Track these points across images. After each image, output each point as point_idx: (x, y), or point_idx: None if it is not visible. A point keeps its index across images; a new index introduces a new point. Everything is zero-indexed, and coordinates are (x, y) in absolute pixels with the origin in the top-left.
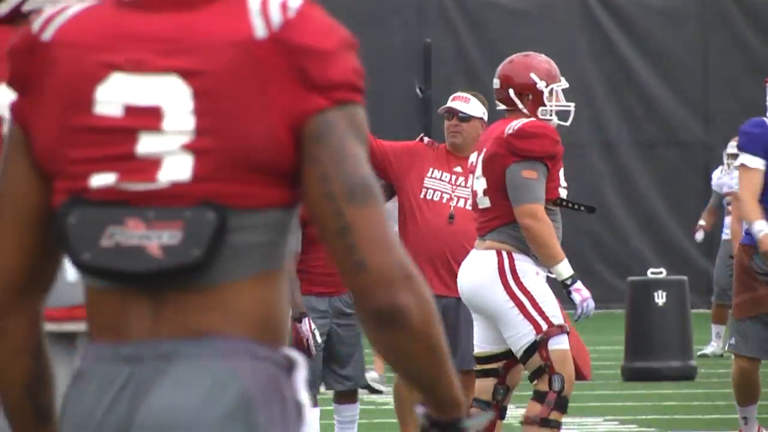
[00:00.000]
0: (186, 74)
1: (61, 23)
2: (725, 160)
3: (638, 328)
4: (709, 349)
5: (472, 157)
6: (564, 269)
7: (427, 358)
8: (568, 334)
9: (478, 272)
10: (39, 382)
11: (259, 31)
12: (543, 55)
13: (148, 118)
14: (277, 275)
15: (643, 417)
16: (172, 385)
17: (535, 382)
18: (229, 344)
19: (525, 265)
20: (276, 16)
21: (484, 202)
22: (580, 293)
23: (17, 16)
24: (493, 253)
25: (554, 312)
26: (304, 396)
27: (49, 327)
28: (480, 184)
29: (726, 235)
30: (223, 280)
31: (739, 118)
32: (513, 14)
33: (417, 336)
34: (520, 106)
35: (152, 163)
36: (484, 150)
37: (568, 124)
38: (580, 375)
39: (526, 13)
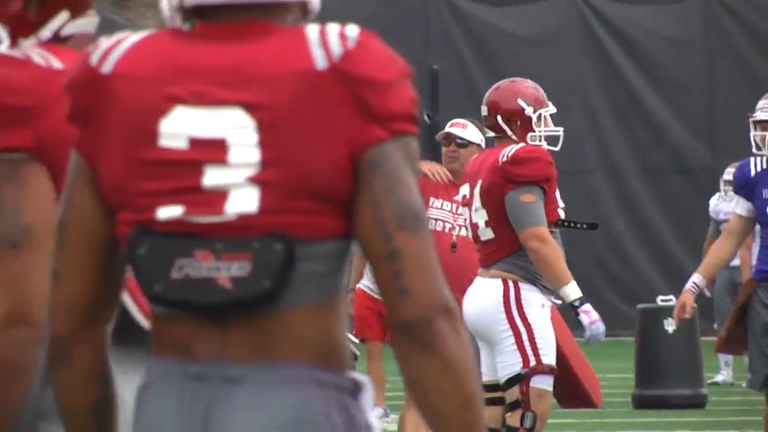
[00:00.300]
0: (249, 107)
1: (119, 55)
2: (722, 187)
3: (648, 355)
4: (719, 377)
5: (464, 189)
6: (572, 291)
7: (455, 398)
8: (554, 376)
9: (482, 300)
10: (104, 405)
11: (320, 62)
12: (530, 81)
13: (213, 150)
14: (338, 302)
15: None
16: (242, 410)
17: (508, 414)
18: (294, 370)
19: (531, 295)
20: (336, 47)
21: (487, 234)
22: (589, 315)
23: (57, 40)
24: (499, 281)
25: (548, 351)
26: (373, 418)
27: None
28: (480, 215)
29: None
30: (289, 307)
31: (746, 143)
32: (520, 40)
33: (449, 370)
34: (509, 132)
35: (219, 196)
36: (480, 181)
37: (557, 149)
38: (590, 402)
39: (533, 38)
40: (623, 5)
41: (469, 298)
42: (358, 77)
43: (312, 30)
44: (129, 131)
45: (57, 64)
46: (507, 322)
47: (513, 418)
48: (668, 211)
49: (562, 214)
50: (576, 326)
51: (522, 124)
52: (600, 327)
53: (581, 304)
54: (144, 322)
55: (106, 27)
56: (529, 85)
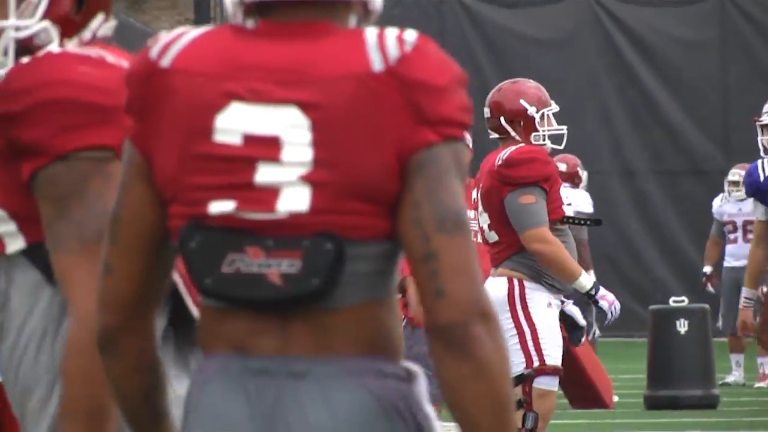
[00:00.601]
0: (305, 106)
1: (179, 50)
2: (726, 188)
3: (660, 356)
4: (731, 378)
5: (474, 194)
6: (585, 281)
7: (488, 404)
8: (562, 377)
9: None
10: (155, 391)
11: (377, 64)
12: (532, 81)
13: (267, 148)
14: (390, 300)
15: None
16: (312, 404)
17: None
18: (356, 363)
19: (536, 294)
20: (393, 50)
21: (492, 237)
22: (606, 299)
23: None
24: (505, 280)
25: (552, 352)
26: (429, 406)
27: None
28: (484, 219)
29: (728, 263)
30: (343, 304)
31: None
32: (534, 42)
33: (484, 375)
34: (513, 133)
35: (270, 193)
36: (481, 185)
37: (561, 147)
38: (602, 403)
39: (547, 41)
40: (637, 7)
41: None
42: (413, 81)
43: (370, 33)
44: (184, 126)
45: (125, 64)
46: (511, 322)
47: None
48: (682, 213)
49: (568, 211)
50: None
51: (525, 125)
52: (617, 305)
53: (597, 290)
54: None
55: (121, 30)
56: (531, 84)
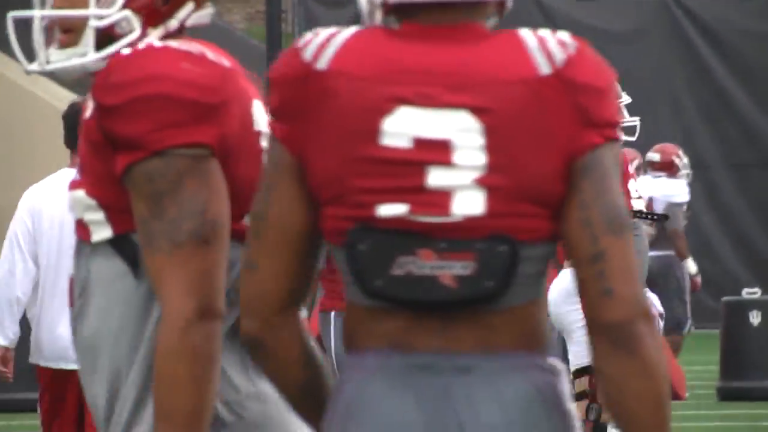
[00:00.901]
0: (476, 110)
1: (335, 52)
2: None
3: (733, 347)
4: None
5: None
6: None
7: (650, 400)
8: None
9: (558, 289)
10: (316, 384)
11: (543, 68)
12: None
13: (438, 151)
14: (544, 298)
15: None
16: (482, 399)
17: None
18: (518, 359)
19: None
20: (558, 53)
21: None
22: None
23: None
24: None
25: None
26: (571, 403)
27: None
28: None
29: None
30: (509, 305)
31: None
32: (606, 35)
33: (648, 372)
34: None
35: (443, 196)
36: None
37: (634, 139)
38: (675, 395)
39: (619, 34)
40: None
41: (550, 287)
42: (580, 84)
43: (527, 35)
44: (348, 128)
45: (226, 62)
46: (580, 313)
47: (577, 410)
48: (754, 206)
49: (638, 204)
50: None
51: None
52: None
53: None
54: None
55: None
56: None
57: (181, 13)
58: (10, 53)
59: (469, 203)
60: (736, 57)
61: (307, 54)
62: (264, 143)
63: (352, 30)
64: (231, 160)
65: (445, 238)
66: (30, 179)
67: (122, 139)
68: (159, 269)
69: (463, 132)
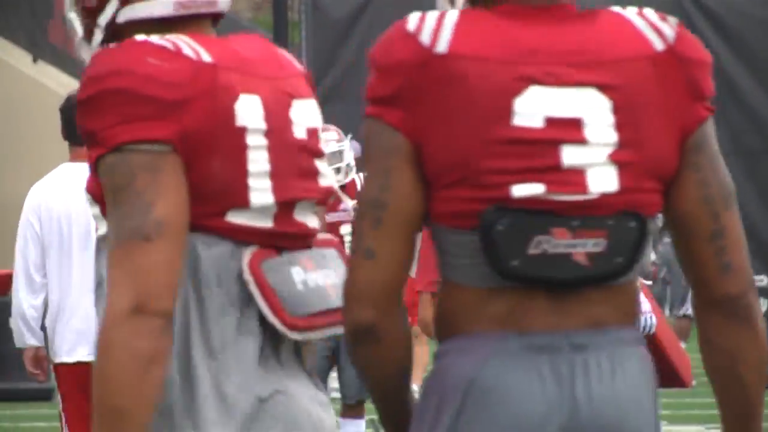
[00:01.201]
0: (603, 88)
1: (451, 35)
2: None
3: None
4: None
5: None
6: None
7: (757, 366)
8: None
9: None
10: (409, 372)
11: (657, 45)
12: None
13: (571, 129)
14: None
15: None
16: (603, 375)
17: None
18: (625, 333)
19: None
20: (666, 29)
21: None
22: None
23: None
24: None
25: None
26: None
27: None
28: None
29: None
30: (625, 280)
31: None
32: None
33: (759, 341)
34: None
35: (578, 174)
36: None
37: None
38: (681, 382)
39: None
40: None
41: None
42: (692, 59)
43: (630, 13)
44: (478, 110)
45: (206, 57)
46: None
47: None
48: (762, 193)
49: None
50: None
51: None
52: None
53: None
54: (277, 324)
55: None
56: None
57: (108, 11)
58: (16, 41)
59: (604, 180)
60: (743, 45)
61: (425, 38)
62: (251, 139)
63: (455, 12)
64: (201, 157)
65: (578, 216)
66: (39, 170)
67: (88, 134)
68: (107, 264)
69: (593, 109)
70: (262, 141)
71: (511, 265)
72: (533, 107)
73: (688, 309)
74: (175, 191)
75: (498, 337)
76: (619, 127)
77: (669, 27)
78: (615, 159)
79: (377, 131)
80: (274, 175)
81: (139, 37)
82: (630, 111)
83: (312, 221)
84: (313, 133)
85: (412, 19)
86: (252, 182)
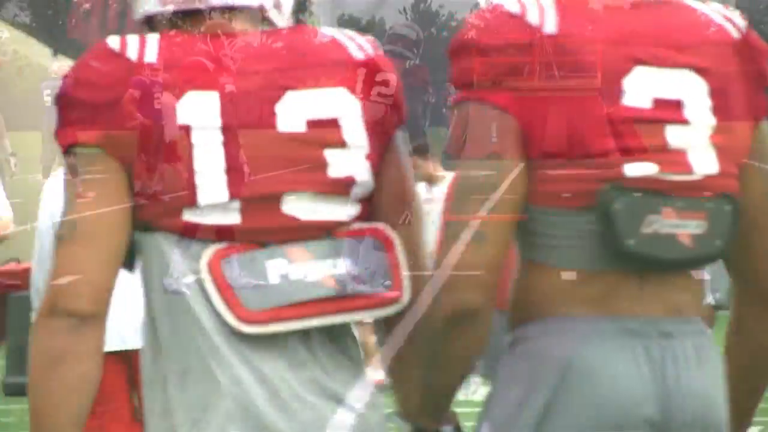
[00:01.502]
0: (699, 70)
1: (556, 15)
2: None
3: None
4: None
5: None
6: None
7: None
8: None
9: None
10: None
11: (734, 33)
12: None
13: (674, 110)
14: None
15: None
16: (693, 363)
17: None
18: (696, 322)
19: None
20: (737, 19)
21: None
22: None
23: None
24: None
25: None
26: None
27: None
28: None
29: None
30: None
31: None
32: None
33: None
34: None
35: (682, 155)
36: None
37: None
38: None
39: None
40: None
41: None
42: (760, 49)
43: (698, 4)
44: (587, 90)
45: (150, 57)
46: None
47: None
48: None
49: None
50: None
51: None
52: None
53: None
54: (229, 318)
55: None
56: None
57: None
58: (38, 37)
59: (706, 162)
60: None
61: (531, 18)
62: (197, 137)
63: None
64: (142, 158)
65: (682, 197)
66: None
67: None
68: None
69: (693, 91)
70: (216, 137)
71: (627, 244)
72: (641, 88)
73: (711, 299)
74: (99, 193)
75: (593, 320)
76: (716, 110)
77: (737, 17)
78: (714, 141)
79: (481, 113)
80: (233, 170)
81: (110, 38)
82: (722, 95)
83: (315, 213)
84: (321, 123)
85: (511, 2)
86: (199, 180)
